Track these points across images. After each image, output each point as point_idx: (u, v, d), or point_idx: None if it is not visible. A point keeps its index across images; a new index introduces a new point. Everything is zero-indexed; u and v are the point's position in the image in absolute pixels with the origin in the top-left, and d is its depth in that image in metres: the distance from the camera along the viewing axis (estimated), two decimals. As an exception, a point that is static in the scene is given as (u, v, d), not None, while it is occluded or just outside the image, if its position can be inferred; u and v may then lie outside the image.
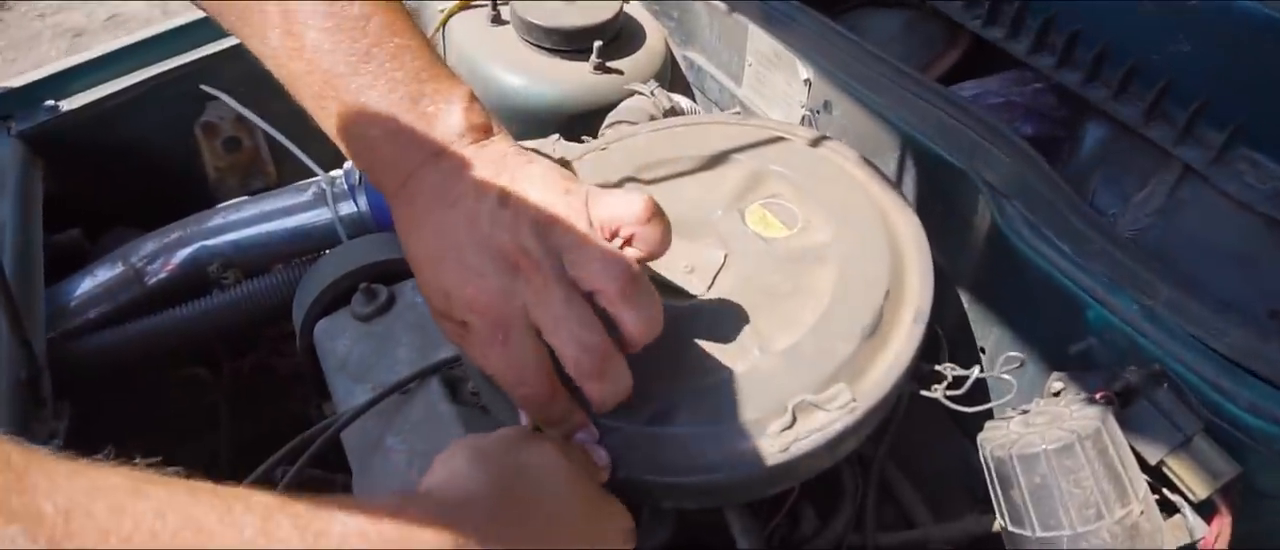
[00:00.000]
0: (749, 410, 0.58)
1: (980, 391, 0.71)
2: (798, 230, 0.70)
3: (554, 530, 0.48)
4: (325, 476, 0.85)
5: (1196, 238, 0.72)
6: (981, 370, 0.68)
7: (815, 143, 0.78)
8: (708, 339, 0.63)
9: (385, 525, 0.39)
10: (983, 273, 0.73)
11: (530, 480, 0.49)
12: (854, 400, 0.58)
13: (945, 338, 0.77)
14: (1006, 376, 0.64)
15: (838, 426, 0.57)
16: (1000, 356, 0.70)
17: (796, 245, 0.69)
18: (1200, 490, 0.54)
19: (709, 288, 0.66)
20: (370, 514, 0.39)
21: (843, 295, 0.64)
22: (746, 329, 0.63)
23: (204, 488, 0.35)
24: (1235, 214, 0.70)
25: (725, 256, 0.68)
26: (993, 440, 0.59)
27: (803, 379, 0.59)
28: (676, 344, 0.63)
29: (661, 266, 0.67)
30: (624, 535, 0.53)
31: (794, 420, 0.57)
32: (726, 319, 0.64)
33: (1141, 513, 0.54)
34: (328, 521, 0.37)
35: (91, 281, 0.99)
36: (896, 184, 0.79)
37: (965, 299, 0.76)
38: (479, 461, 0.48)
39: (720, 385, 0.59)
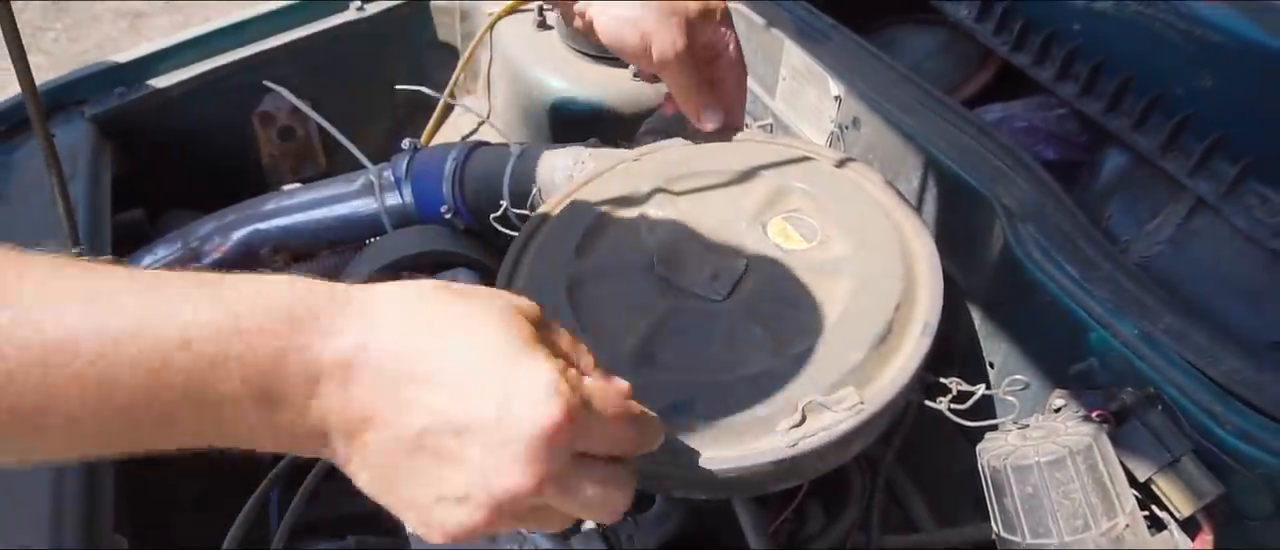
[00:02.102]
0: (761, 408, 0.61)
1: (988, 405, 0.74)
2: (816, 244, 0.73)
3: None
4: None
5: (1205, 268, 0.74)
6: (988, 386, 0.71)
7: (840, 164, 0.81)
8: (725, 340, 0.67)
9: (276, 314, 0.42)
10: (995, 291, 0.77)
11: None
12: (861, 403, 0.62)
13: (957, 351, 0.81)
14: (1010, 397, 0.68)
15: (844, 427, 0.61)
16: (1007, 374, 0.73)
17: (814, 258, 0.72)
18: (1185, 508, 0.57)
19: (729, 294, 0.70)
20: (269, 292, 0.42)
21: (856, 306, 0.67)
22: (762, 333, 0.67)
23: (115, 269, 0.41)
24: (1243, 246, 0.72)
25: (746, 265, 0.72)
26: (990, 450, 0.62)
27: (814, 381, 0.63)
28: (696, 344, 0.67)
29: (686, 273, 0.71)
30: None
31: (803, 419, 0.61)
32: (744, 323, 0.68)
33: (1127, 526, 0.57)
34: (220, 289, 0.42)
35: (151, 259, 1.05)
36: (916, 205, 0.82)
37: (977, 315, 0.79)
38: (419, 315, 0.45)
39: (735, 383, 0.63)
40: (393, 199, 1.05)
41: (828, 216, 0.75)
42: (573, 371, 0.47)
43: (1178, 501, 0.58)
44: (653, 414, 0.51)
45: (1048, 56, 0.88)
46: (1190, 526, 0.59)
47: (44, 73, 1.09)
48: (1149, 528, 0.60)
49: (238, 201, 1.09)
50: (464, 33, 1.32)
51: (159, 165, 1.17)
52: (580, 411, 0.45)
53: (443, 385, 0.43)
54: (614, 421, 0.48)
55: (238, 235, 1.07)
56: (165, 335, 0.39)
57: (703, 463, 0.60)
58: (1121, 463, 0.60)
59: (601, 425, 0.47)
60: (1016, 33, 0.91)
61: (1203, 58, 0.77)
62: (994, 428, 0.69)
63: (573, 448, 0.45)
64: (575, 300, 0.71)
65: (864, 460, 0.82)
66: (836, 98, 0.93)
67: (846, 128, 0.93)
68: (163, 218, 1.16)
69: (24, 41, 0.75)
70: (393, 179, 1.06)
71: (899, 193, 0.79)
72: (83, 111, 1.09)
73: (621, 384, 0.50)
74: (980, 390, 0.68)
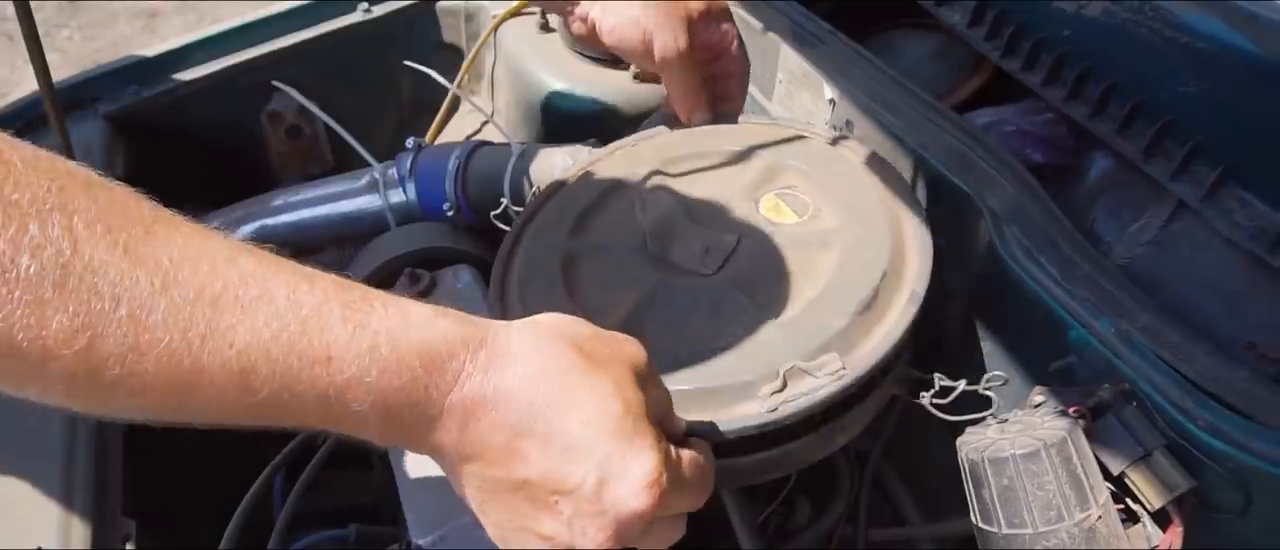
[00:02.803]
0: (744, 373, 0.63)
1: (975, 402, 0.75)
2: (807, 218, 0.75)
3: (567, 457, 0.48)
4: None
5: (1185, 269, 0.76)
6: (970, 382, 0.73)
7: (834, 141, 0.83)
8: (713, 312, 0.68)
9: (414, 350, 0.44)
10: (980, 290, 0.78)
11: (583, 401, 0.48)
12: (843, 368, 0.63)
13: (944, 348, 0.83)
14: (989, 392, 0.69)
15: (824, 392, 0.62)
16: (990, 370, 0.74)
17: (804, 231, 0.74)
18: (1155, 500, 0.59)
19: (720, 269, 0.71)
20: (411, 325, 0.45)
21: (842, 275, 0.68)
22: (749, 304, 0.68)
23: (286, 265, 0.43)
24: (1222, 249, 0.74)
25: (738, 240, 0.73)
26: (969, 444, 0.64)
27: (797, 348, 0.64)
28: (682, 315, 0.68)
29: (678, 249, 0.73)
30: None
31: (784, 384, 0.62)
32: (732, 295, 0.69)
33: (1100, 517, 0.59)
34: (368, 315, 0.44)
35: (162, 252, 1.07)
36: (905, 180, 0.83)
37: (963, 313, 0.80)
38: (549, 368, 0.48)
39: (718, 351, 0.65)
40: (397, 196, 1.07)
41: (820, 191, 0.77)
42: (672, 452, 0.51)
43: (1150, 494, 0.60)
44: (711, 469, 0.55)
45: (1037, 62, 0.90)
46: (1162, 519, 0.61)
47: (59, 71, 1.11)
48: (1123, 520, 0.62)
49: (247, 197, 1.12)
50: (469, 34, 1.34)
51: (171, 162, 1.19)
52: (669, 495, 0.49)
53: (556, 447, 0.47)
54: (690, 493, 0.52)
55: (245, 230, 1.09)
56: (310, 349, 0.41)
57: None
58: (1096, 456, 0.61)
59: (681, 498, 0.51)
60: (1007, 39, 0.93)
61: (1186, 64, 0.78)
62: (977, 423, 0.71)
63: (655, 517, 0.49)
64: (569, 277, 0.72)
65: (852, 452, 0.84)
66: (831, 101, 0.95)
67: (840, 130, 0.94)
68: (173, 213, 1.18)
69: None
70: (397, 177, 1.08)
71: (892, 168, 0.80)
72: (97, 109, 1.12)
73: (699, 453, 0.54)
74: (961, 385, 0.70)
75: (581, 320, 0.53)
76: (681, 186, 0.80)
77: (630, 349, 0.53)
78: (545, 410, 0.47)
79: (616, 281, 0.72)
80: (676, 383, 0.62)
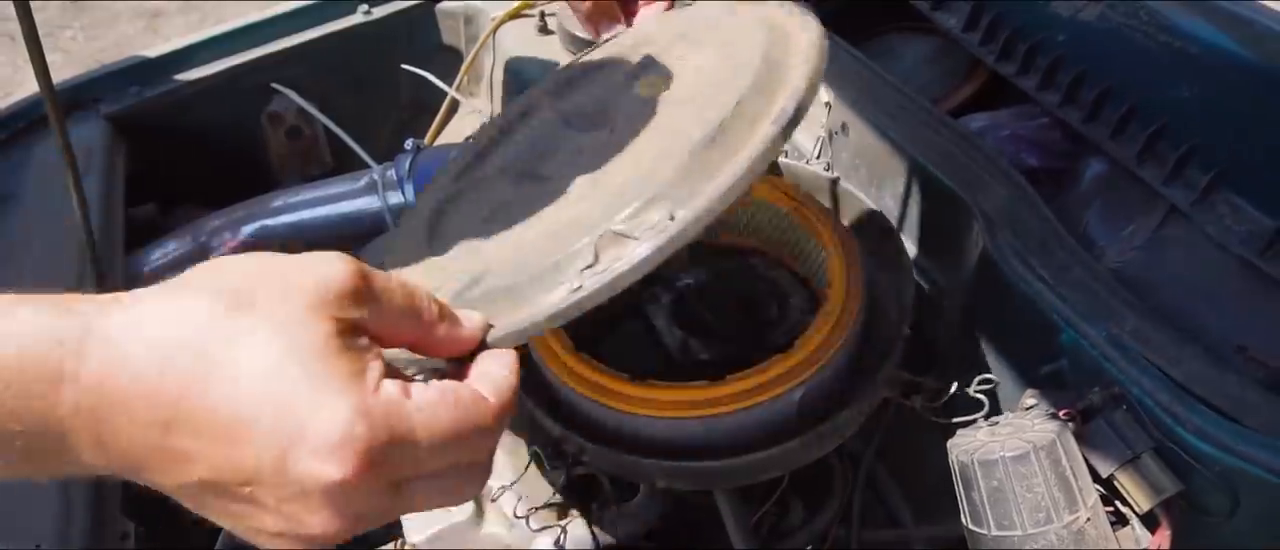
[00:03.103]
0: (551, 258, 0.52)
1: (969, 405, 0.76)
2: (683, 81, 0.67)
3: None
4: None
5: (1177, 273, 0.76)
6: (961, 385, 0.74)
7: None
8: (554, 208, 0.60)
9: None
10: (974, 293, 0.79)
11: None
12: (671, 217, 0.52)
13: (937, 351, 0.83)
14: (980, 395, 0.70)
15: (642, 252, 0.50)
16: (979, 375, 0.75)
17: (674, 94, 0.66)
18: (1144, 503, 0.60)
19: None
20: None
21: (692, 121, 0.58)
22: (585, 185, 0.60)
23: None
24: (1213, 253, 0.74)
25: (610, 131, 0.65)
26: (960, 446, 0.65)
27: (616, 211, 0.53)
28: (520, 222, 0.61)
29: (550, 163, 0.68)
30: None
31: (596, 257, 0.51)
32: (576, 183, 0.61)
33: (1088, 519, 0.60)
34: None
35: (161, 253, 1.08)
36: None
37: (957, 317, 0.81)
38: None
39: (529, 243, 0.56)
40: (395, 197, 1.08)
41: (704, 50, 0.69)
42: (389, 389, 0.39)
43: (1138, 497, 0.60)
44: (493, 401, 0.43)
45: (1032, 66, 0.90)
46: (1150, 521, 0.61)
47: (62, 71, 1.12)
48: (1112, 522, 0.62)
49: (247, 198, 1.12)
50: (468, 36, 1.35)
51: (172, 162, 1.20)
52: (387, 450, 0.38)
53: (213, 433, 0.37)
54: (443, 440, 0.40)
55: (246, 231, 1.10)
56: None
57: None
58: (1086, 459, 0.62)
59: (427, 452, 0.40)
60: (1002, 42, 0.93)
61: (1179, 68, 0.79)
62: (968, 425, 0.72)
63: (386, 481, 0.39)
64: (435, 225, 0.67)
65: (845, 455, 0.85)
66: (826, 104, 0.96)
67: (836, 133, 0.95)
68: (175, 213, 1.19)
69: (42, 40, 0.79)
70: (396, 178, 1.09)
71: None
72: (99, 109, 1.13)
73: (465, 391, 0.42)
74: (953, 388, 0.70)
75: (252, 257, 0.42)
76: (569, 100, 0.75)
77: (317, 271, 0.40)
78: (184, 390, 0.36)
79: (477, 214, 0.65)
80: (478, 289, 0.54)
